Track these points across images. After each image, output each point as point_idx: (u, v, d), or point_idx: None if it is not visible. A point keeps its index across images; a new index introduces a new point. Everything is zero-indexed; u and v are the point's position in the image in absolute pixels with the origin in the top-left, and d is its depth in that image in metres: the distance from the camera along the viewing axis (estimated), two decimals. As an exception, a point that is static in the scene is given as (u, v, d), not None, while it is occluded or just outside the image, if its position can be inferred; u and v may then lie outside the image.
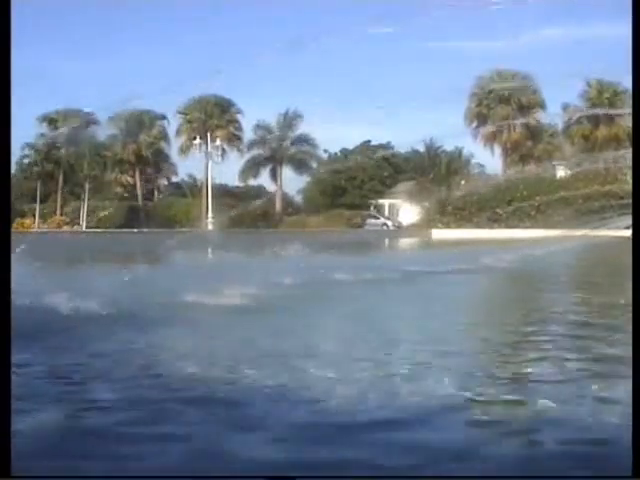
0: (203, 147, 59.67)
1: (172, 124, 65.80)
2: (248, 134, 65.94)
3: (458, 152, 70.15)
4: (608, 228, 29.32)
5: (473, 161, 71.24)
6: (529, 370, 4.73)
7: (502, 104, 60.24)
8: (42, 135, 62.49)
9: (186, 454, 3.13)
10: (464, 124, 60.00)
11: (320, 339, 5.94)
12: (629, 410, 3.31)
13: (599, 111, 53.96)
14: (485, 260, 15.66)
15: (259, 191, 66.59)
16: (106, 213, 59.87)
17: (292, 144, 66.06)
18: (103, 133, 61.34)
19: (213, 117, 63.67)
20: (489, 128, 59.49)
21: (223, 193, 59.42)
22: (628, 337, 4.80)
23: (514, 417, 3.66)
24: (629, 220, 10.31)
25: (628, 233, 14.81)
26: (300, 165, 66.64)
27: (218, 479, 2.98)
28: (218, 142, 59.42)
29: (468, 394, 4.00)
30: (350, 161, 66.38)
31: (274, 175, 66.37)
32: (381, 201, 63.67)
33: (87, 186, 59.87)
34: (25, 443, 3.13)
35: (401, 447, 3.22)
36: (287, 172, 66.10)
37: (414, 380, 4.36)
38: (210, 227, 47.97)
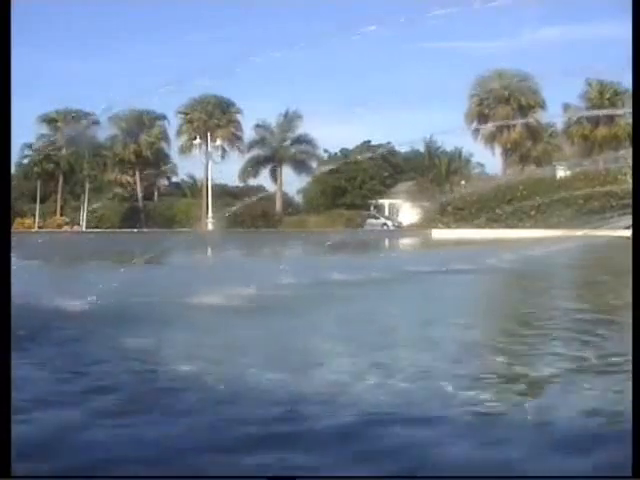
0: (203, 147, 59.74)
1: (172, 124, 65.83)
2: (248, 134, 66.01)
3: (458, 152, 70.18)
4: (608, 228, 29.40)
5: (473, 161, 71.35)
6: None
7: (502, 104, 60.20)
8: (42, 135, 62.55)
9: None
10: (464, 124, 60.00)
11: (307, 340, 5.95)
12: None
13: (598, 112, 53.93)
14: (483, 260, 15.69)
15: (259, 191, 66.54)
16: (105, 213, 59.90)
17: (292, 144, 66.04)
18: (103, 133, 61.31)
19: (213, 117, 63.58)
20: (489, 128, 59.45)
21: (223, 193, 59.45)
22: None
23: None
24: (629, 220, 10.33)
25: (628, 233, 14.83)
26: (300, 165, 66.62)
27: (218, 479, 2.99)
28: (218, 142, 59.48)
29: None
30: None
31: (274, 175, 66.36)
32: (381, 201, 63.73)
33: (87, 186, 59.87)
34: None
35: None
36: (287, 172, 66.19)
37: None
38: (210, 227, 48.02)
